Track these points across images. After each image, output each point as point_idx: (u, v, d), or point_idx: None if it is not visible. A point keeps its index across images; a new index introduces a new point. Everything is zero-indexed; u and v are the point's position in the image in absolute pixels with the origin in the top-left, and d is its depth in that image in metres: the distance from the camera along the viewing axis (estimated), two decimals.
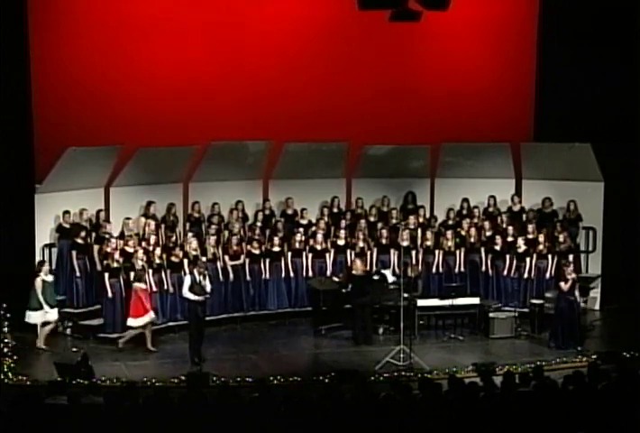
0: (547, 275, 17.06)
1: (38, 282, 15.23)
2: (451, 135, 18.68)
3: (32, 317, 15.30)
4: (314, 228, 17.65)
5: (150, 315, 15.42)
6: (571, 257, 17.00)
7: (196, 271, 15.05)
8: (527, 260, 17.08)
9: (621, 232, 18.09)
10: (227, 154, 17.78)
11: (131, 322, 15.36)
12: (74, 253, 16.20)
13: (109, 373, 13.89)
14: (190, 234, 16.83)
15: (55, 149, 16.23)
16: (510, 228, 17.41)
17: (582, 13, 18.38)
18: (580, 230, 17.92)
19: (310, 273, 17.31)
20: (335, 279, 16.73)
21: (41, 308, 15.24)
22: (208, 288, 14.91)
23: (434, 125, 19.00)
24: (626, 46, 18.05)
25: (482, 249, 17.39)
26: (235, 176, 18.13)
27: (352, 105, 18.83)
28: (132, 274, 15.70)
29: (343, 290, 16.21)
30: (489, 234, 17.52)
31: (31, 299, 15.26)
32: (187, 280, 14.93)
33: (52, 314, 15.38)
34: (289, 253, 17.35)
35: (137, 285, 15.39)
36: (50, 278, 15.41)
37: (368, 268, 16.67)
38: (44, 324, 15.36)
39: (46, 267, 15.47)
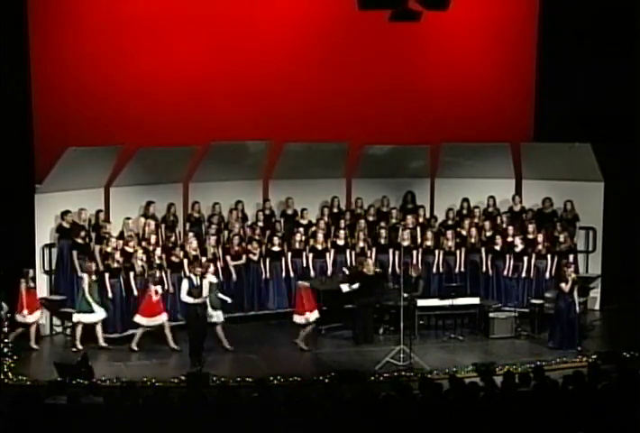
0: (547, 275, 17.07)
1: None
2: (451, 135, 18.68)
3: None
4: (314, 228, 17.65)
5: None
6: (571, 257, 17.00)
7: (192, 275, 15.06)
8: (526, 259, 17.09)
9: (621, 232, 18.09)
10: (227, 154, 17.78)
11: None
12: (75, 252, 16.19)
13: (109, 373, 13.90)
14: (190, 234, 16.83)
15: (55, 149, 16.22)
16: (510, 228, 17.41)
17: (582, 13, 18.39)
18: (577, 230, 17.91)
19: (311, 273, 17.30)
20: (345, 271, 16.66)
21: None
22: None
23: (434, 125, 19.01)
24: (627, 46, 18.05)
25: (482, 249, 17.40)
26: (235, 176, 18.13)
27: (352, 105, 18.83)
28: (131, 273, 15.75)
29: (347, 288, 16.16)
30: (489, 234, 17.52)
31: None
32: (185, 284, 14.92)
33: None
34: (289, 253, 17.36)
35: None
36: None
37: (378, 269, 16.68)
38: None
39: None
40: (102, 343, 15.40)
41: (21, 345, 14.95)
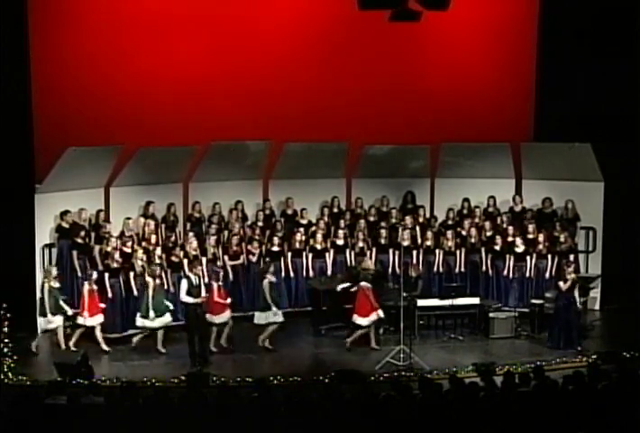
0: (547, 275, 17.07)
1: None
2: (451, 135, 18.68)
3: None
4: (313, 228, 17.65)
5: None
6: (571, 257, 17.01)
7: (192, 274, 15.07)
8: (527, 259, 17.09)
9: (621, 232, 18.09)
10: (227, 154, 17.78)
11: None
12: (74, 252, 16.19)
13: (109, 373, 13.91)
14: (190, 234, 16.83)
15: (55, 149, 16.22)
16: (510, 228, 17.40)
17: (582, 13, 18.39)
18: (577, 229, 17.91)
19: (310, 273, 17.31)
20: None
21: (268, 308, 15.21)
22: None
23: (434, 125, 19.01)
24: (627, 46, 18.05)
25: (482, 249, 17.40)
26: (235, 176, 18.13)
27: (352, 105, 18.84)
28: (131, 273, 15.75)
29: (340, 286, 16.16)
30: (489, 234, 17.52)
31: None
32: (184, 284, 14.90)
33: (278, 315, 15.32)
34: (289, 253, 17.36)
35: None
36: (273, 279, 15.42)
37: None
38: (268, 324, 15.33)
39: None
40: (161, 348, 15.27)
41: (21, 346, 14.95)
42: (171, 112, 18.06)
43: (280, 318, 15.32)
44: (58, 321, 15.14)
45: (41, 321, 15.20)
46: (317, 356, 15.31)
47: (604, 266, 17.90)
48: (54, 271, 15.20)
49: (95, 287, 15.31)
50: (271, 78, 18.61)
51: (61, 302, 15.16)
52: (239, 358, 15.09)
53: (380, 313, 15.39)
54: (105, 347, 15.23)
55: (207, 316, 15.06)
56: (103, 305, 15.37)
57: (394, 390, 10.27)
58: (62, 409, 9.85)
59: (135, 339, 15.37)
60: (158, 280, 15.34)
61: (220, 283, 15.31)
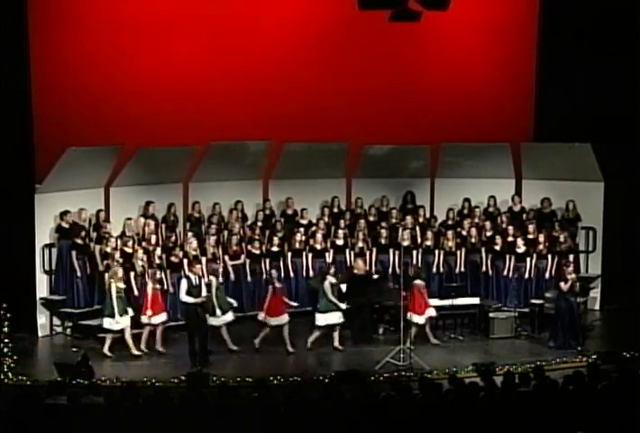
0: (547, 275, 17.07)
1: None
2: (451, 135, 18.68)
3: (319, 319, 15.26)
4: (314, 228, 17.65)
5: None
6: (571, 257, 17.01)
7: (192, 274, 15.07)
8: (527, 260, 17.09)
9: (621, 232, 18.09)
10: (227, 154, 17.78)
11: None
12: (74, 253, 16.19)
13: (109, 373, 13.90)
14: (190, 234, 16.83)
15: (55, 149, 16.22)
16: (510, 228, 17.40)
17: (582, 13, 18.39)
18: (579, 230, 17.92)
19: (310, 273, 17.30)
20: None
21: (331, 310, 15.21)
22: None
23: (434, 125, 19.01)
24: (627, 46, 18.05)
25: (483, 249, 17.40)
26: (235, 176, 18.13)
27: (352, 105, 18.84)
28: (131, 273, 15.76)
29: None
30: (489, 234, 17.52)
31: (320, 301, 15.25)
32: (184, 284, 14.89)
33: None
34: (289, 253, 17.36)
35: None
36: (334, 280, 15.41)
37: (368, 268, 16.68)
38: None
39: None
40: (231, 346, 15.29)
41: (20, 346, 14.96)
42: (171, 112, 18.05)
43: (341, 319, 15.34)
44: (125, 322, 15.06)
45: (107, 322, 15.00)
46: (317, 356, 15.30)
47: (604, 266, 17.92)
48: (120, 272, 15.17)
49: (158, 286, 15.33)
50: (271, 78, 18.61)
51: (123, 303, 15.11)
52: (239, 358, 15.08)
53: (433, 311, 15.56)
54: (161, 349, 15.27)
55: (262, 316, 15.28)
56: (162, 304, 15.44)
57: (394, 390, 10.27)
58: (62, 409, 9.85)
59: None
60: (220, 279, 15.38)
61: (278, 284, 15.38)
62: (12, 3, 15.70)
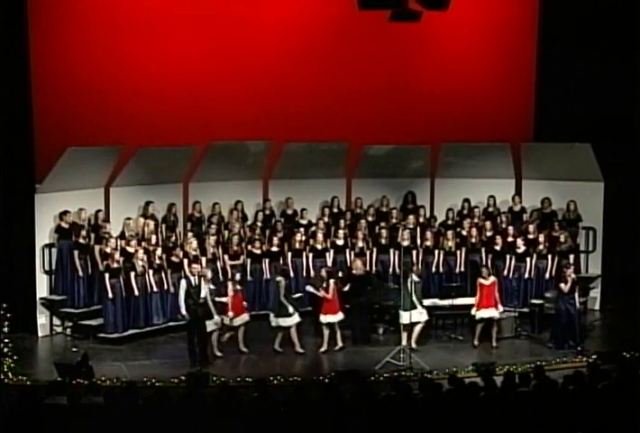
0: (547, 275, 17.07)
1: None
2: (451, 135, 18.68)
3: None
4: (314, 228, 17.65)
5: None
6: (571, 258, 17.00)
7: (191, 275, 15.06)
8: (527, 260, 17.09)
9: (621, 232, 18.09)
10: (227, 154, 17.78)
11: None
12: (76, 252, 16.19)
13: (109, 373, 13.89)
14: (190, 234, 16.84)
15: (55, 149, 16.22)
16: (510, 228, 17.40)
17: (582, 13, 18.40)
18: (579, 230, 17.92)
19: (311, 273, 17.30)
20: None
21: (414, 307, 15.18)
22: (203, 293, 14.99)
23: (434, 125, 19.01)
24: (626, 46, 18.06)
25: (483, 249, 17.39)
26: (235, 176, 18.13)
27: (352, 105, 18.84)
28: (132, 273, 15.77)
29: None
30: (489, 234, 17.52)
31: (403, 299, 15.19)
32: (183, 284, 14.86)
33: (423, 314, 15.36)
34: (289, 253, 17.36)
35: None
36: (417, 278, 15.43)
37: (368, 268, 16.68)
38: (414, 324, 15.29)
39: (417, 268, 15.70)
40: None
41: (20, 346, 14.96)
42: (171, 112, 18.05)
43: (425, 317, 15.37)
44: (216, 322, 15.02)
45: (211, 321, 14.93)
46: (317, 356, 15.30)
47: (604, 266, 17.91)
48: (209, 274, 15.18)
49: (238, 287, 15.29)
50: (271, 78, 18.61)
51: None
52: (239, 358, 15.08)
53: (501, 307, 15.66)
54: (243, 349, 15.27)
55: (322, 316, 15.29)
56: (245, 303, 15.43)
57: (394, 390, 10.26)
58: (62, 409, 9.84)
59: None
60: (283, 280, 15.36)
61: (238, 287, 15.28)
62: (12, 3, 15.70)
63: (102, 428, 9.58)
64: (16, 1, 15.83)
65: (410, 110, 19.16)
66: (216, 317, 14.95)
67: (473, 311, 15.61)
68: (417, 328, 15.36)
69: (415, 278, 15.37)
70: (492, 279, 15.71)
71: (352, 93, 18.86)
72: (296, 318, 15.24)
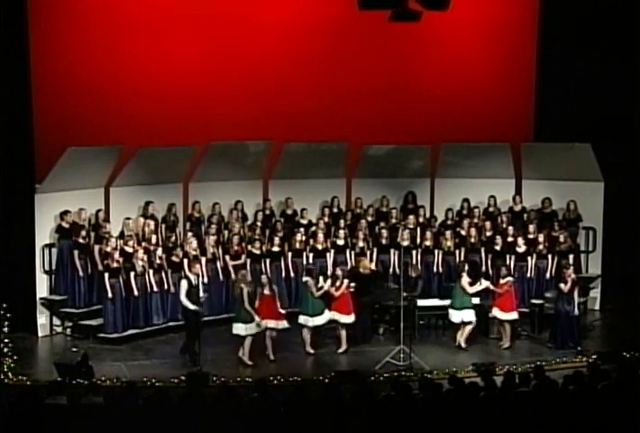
0: (547, 275, 17.07)
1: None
2: (451, 135, 18.68)
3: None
4: (314, 228, 17.65)
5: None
6: (571, 258, 17.00)
7: (191, 275, 15.05)
8: (527, 260, 17.08)
9: (621, 232, 18.09)
10: (227, 154, 17.79)
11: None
12: (76, 252, 16.19)
13: (109, 373, 13.90)
14: (190, 234, 16.84)
15: (55, 149, 16.22)
16: (510, 228, 17.40)
17: (582, 13, 18.41)
18: (579, 230, 17.92)
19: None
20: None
21: (465, 307, 15.43)
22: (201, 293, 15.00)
23: (434, 125, 19.01)
24: (626, 46, 18.06)
25: (482, 249, 17.39)
26: (235, 176, 18.13)
27: (352, 105, 18.84)
28: (132, 273, 15.78)
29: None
30: (489, 234, 17.52)
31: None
32: (184, 284, 14.86)
33: (470, 314, 15.47)
34: (290, 254, 17.35)
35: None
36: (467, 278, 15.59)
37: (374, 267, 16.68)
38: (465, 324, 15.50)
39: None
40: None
41: (20, 346, 14.96)
42: (171, 112, 18.05)
43: (474, 317, 15.49)
44: (255, 327, 14.87)
45: (242, 328, 14.70)
46: (317, 356, 15.30)
47: (604, 266, 17.92)
48: (249, 276, 15.17)
49: (266, 292, 15.05)
50: (271, 77, 18.61)
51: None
52: (239, 358, 15.06)
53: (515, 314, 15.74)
54: (271, 355, 15.03)
55: (337, 315, 15.26)
56: (283, 311, 15.27)
57: (394, 390, 10.26)
58: (62, 409, 9.84)
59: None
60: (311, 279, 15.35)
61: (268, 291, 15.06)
62: (12, 3, 15.70)
63: (102, 428, 9.58)
64: (16, 1, 15.83)
65: (410, 110, 19.17)
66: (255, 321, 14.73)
67: (499, 314, 15.62)
68: (468, 328, 15.46)
69: (467, 278, 15.48)
70: (509, 279, 15.73)
71: (352, 93, 18.86)
72: (327, 315, 15.26)
